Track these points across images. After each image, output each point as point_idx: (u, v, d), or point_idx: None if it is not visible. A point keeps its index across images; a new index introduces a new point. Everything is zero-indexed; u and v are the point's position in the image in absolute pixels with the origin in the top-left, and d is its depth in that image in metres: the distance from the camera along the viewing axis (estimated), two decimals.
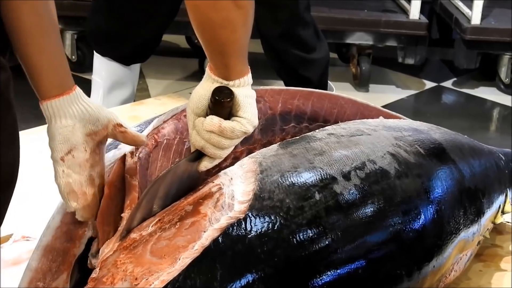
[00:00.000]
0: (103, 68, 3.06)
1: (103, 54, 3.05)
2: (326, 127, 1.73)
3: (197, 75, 3.87)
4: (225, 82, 1.48)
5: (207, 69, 1.50)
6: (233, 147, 1.53)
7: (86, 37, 3.23)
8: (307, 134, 1.69)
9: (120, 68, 3.07)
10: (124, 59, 3.07)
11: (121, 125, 1.45)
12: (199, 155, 1.53)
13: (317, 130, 1.71)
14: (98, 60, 3.08)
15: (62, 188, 1.41)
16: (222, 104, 1.47)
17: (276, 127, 1.84)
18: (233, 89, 1.48)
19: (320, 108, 1.91)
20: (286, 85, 3.10)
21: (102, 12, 3.00)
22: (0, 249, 1.81)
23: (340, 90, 3.17)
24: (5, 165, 1.25)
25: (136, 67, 3.16)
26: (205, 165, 1.53)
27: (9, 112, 1.24)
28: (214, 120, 1.47)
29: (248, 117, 1.49)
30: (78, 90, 1.38)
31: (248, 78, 1.50)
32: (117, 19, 2.97)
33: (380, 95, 3.84)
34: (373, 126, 1.76)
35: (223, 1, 1.40)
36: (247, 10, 1.43)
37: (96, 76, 3.09)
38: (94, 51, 3.10)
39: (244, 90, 1.49)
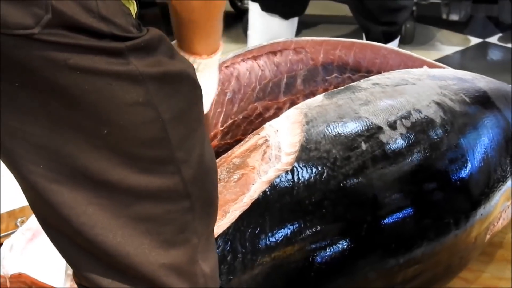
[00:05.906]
0: (260, 23, 3.11)
1: (265, 9, 3.08)
2: (371, 77, 1.72)
3: (241, 37, 3.84)
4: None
5: None
6: None
7: None
8: (352, 84, 1.67)
9: (277, 22, 3.11)
10: (284, 13, 3.11)
11: None
12: None
13: (361, 80, 1.69)
14: (254, 15, 3.12)
15: None
16: None
17: (318, 78, 1.83)
18: None
19: (362, 58, 1.89)
20: (365, 29, 3.16)
21: None
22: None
23: None
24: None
25: (294, 21, 3.19)
26: None
27: None
28: None
29: None
30: None
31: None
32: None
33: (425, 52, 3.78)
34: (418, 76, 1.74)
35: None
36: None
37: (252, 31, 3.12)
38: (251, 6, 3.12)
39: None
